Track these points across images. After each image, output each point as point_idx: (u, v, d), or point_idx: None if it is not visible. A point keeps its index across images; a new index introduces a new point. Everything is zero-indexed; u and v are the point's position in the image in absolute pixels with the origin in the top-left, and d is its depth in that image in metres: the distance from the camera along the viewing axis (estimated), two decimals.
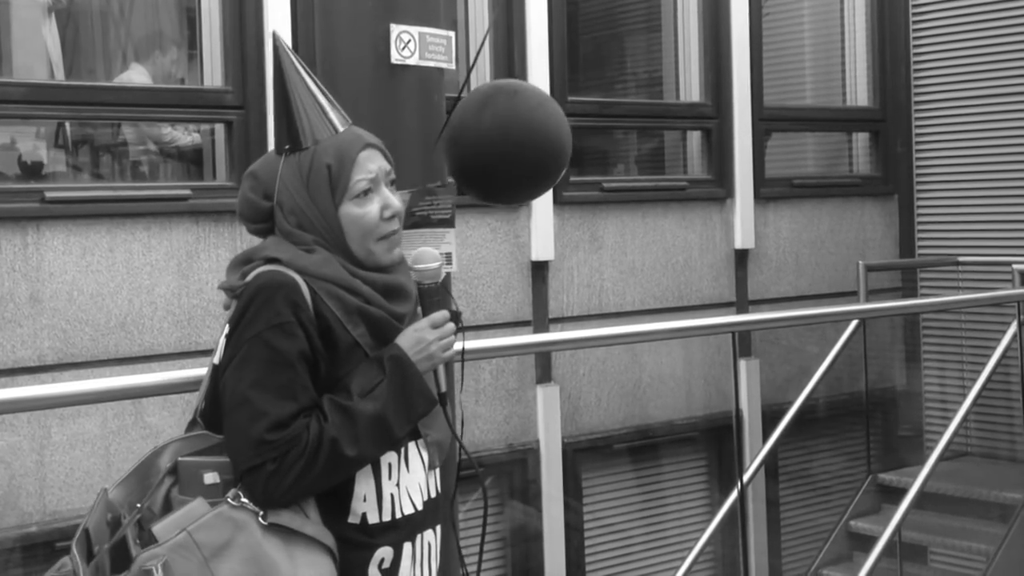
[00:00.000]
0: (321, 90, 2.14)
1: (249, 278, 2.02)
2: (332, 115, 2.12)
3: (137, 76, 5.16)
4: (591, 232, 5.82)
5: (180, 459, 2.01)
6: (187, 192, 4.70)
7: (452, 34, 2.61)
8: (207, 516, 1.90)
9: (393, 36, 2.50)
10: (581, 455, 5.80)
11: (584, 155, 6.28)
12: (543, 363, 5.64)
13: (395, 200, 2.12)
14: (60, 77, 5.11)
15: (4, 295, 4.31)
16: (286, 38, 5.26)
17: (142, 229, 4.58)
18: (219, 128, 4.96)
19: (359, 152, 2.09)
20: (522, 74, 5.57)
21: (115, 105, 4.75)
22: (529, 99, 2.51)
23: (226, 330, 2.03)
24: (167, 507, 1.97)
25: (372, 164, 2.10)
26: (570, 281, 5.75)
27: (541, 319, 5.64)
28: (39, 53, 5.08)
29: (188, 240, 4.66)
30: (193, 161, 5.20)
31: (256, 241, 2.16)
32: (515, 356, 5.45)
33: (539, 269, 5.64)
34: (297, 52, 2.19)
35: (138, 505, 1.98)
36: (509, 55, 5.58)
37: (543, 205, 5.61)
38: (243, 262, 2.09)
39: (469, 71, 2.83)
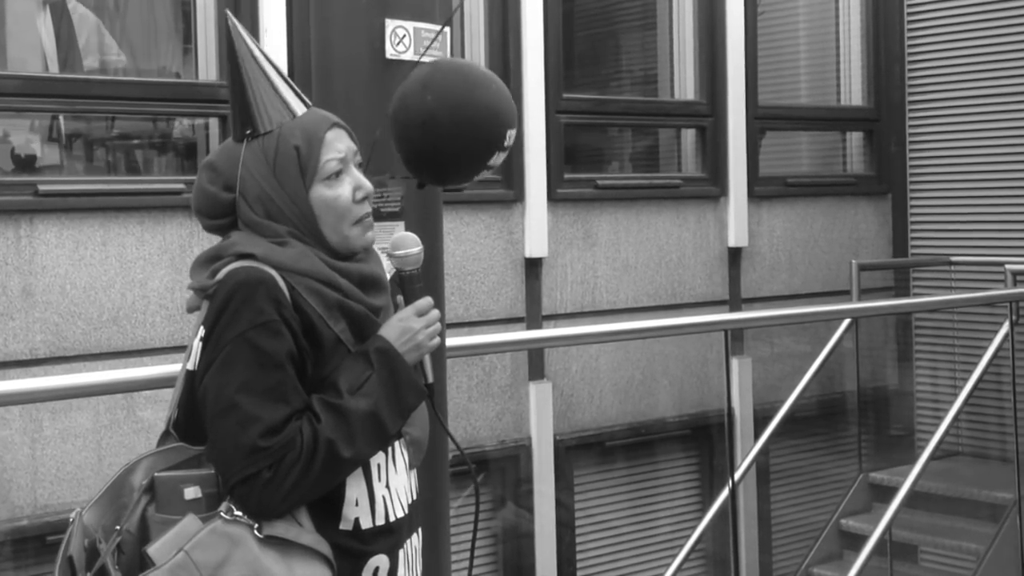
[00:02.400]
0: (279, 73, 2.03)
1: (221, 275, 1.89)
2: (290, 98, 2.01)
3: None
4: (585, 229, 5.82)
5: (157, 475, 1.88)
6: (181, 186, 4.69)
7: (448, 29, 2.61)
8: (201, 533, 1.79)
9: (388, 31, 2.50)
10: (573, 452, 5.80)
11: (578, 152, 6.28)
12: (536, 360, 5.64)
13: (366, 181, 2.02)
14: (54, 70, 5.10)
15: None
16: (281, 34, 5.24)
17: (135, 223, 4.57)
18: (213, 122, 4.96)
19: (327, 132, 1.99)
20: (517, 71, 5.57)
21: (109, 99, 4.74)
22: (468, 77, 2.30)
23: (201, 333, 1.90)
24: (144, 527, 1.86)
25: (340, 144, 2.00)
26: (563, 278, 5.75)
27: (534, 316, 5.64)
28: (33, 46, 5.07)
29: (181, 234, 4.65)
30: (186, 155, 5.19)
31: (215, 239, 2.03)
32: (508, 353, 5.46)
33: (533, 266, 5.64)
34: (292, 47, 2.16)
35: (117, 527, 1.86)
36: (504, 52, 5.58)
37: (537, 202, 5.61)
38: (211, 259, 1.95)
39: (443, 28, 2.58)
